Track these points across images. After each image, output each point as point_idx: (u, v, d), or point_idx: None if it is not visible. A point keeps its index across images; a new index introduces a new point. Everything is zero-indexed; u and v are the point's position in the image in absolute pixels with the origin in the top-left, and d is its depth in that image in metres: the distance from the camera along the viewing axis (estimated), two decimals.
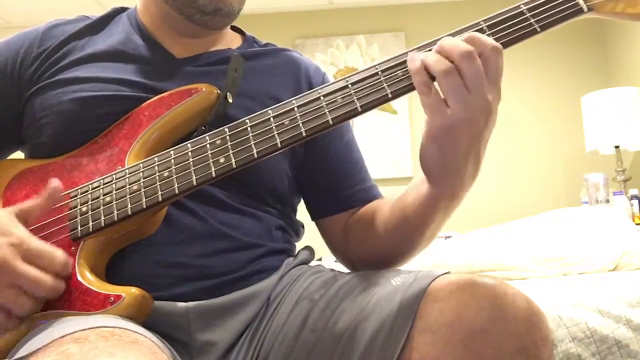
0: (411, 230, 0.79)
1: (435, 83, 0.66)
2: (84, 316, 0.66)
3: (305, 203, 0.94)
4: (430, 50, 0.67)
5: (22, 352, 0.58)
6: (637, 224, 2.23)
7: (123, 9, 0.95)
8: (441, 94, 0.65)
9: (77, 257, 0.71)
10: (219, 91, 0.79)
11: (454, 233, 2.30)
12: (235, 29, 0.98)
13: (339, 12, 3.58)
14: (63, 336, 0.57)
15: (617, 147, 2.75)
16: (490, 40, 0.65)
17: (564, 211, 1.75)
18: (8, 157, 0.90)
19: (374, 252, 0.85)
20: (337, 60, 3.52)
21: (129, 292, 0.68)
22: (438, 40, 0.68)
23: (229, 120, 0.76)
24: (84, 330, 0.58)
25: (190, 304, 0.74)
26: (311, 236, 0.97)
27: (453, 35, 0.69)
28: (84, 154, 0.79)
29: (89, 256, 0.72)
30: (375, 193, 0.92)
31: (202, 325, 0.74)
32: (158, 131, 0.78)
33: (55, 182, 0.72)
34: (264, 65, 0.91)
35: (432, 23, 3.53)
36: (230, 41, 0.95)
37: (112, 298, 0.67)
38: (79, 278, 0.69)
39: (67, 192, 0.75)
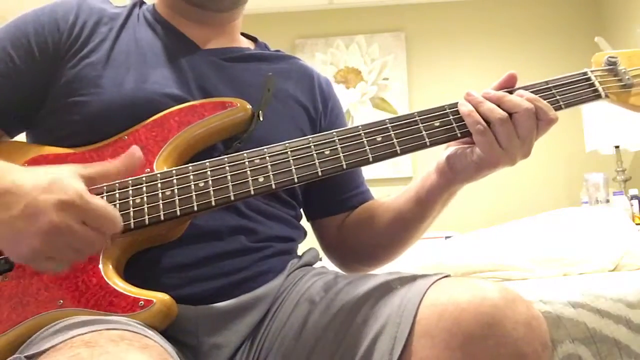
0: (414, 219, 0.86)
1: None
2: (96, 317, 0.65)
3: (303, 204, 0.95)
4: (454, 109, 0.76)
5: (33, 349, 0.58)
6: (637, 224, 2.23)
7: (142, 3, 0.94)
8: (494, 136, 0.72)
9: (101, 255, 0.70)
10: (252, 108, 0.81)
11: (454, 233, 2.30)
12: (247, 36, 1.00)
13: (339, 12, 3.58)
14: (73, 337, 0.56)
15: (617, 147, 2.75)
16: (552, 111, 0.75)
17: (564, 211, 1.75)
18: (12, 139, 0.84)
19: (373, 244, 0.91)
20: (337, 60, 3.52)
21: (159, 298, 0.68)
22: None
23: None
24: (93, 332, 0.57)
25: (199, 307, 0.74)
26: (314, 237, 0.98)
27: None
28: (108, 150, 0.77)
29: (112, 255, 0.71)
30: (370, 196, 0.98)
31: (210, 329, 0.74)
32: (188, 138, 0.78)
33: (138, 151, 0.69)
34: (281, 68, 0.94)
35: (432, 23, 3.53)
36: (245, 43, 0.98)
37: (142, 302, 0.67)
38: (105, 278, 0.69)
39: (90, 187, 0.70)
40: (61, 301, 0.68)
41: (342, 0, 3.52)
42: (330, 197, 0.95)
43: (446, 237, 2.24)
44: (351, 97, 3.46)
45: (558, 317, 1.02)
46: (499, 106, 0.73)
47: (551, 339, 0.99)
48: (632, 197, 2.51)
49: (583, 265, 1.44)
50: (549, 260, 1.48)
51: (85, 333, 0.57)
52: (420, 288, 0.67)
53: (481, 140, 0.72)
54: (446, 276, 0.69)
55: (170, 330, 0.70)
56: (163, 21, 0.90)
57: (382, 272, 0.79)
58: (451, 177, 0.79)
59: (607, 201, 2.43)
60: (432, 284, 0.67)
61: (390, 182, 3.22)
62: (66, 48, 0.82)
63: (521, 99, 0.73)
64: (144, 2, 0.95)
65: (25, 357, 0.57)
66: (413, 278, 0.70)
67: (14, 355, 0.58)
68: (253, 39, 1.00)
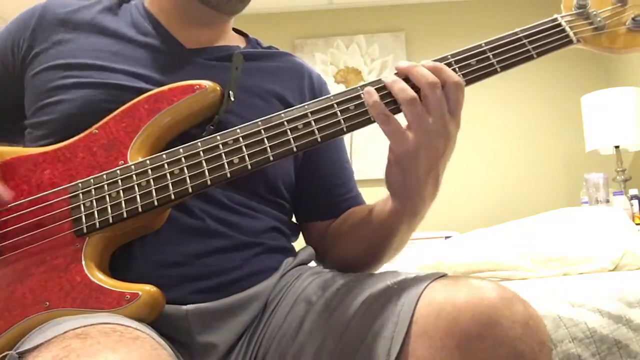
0: (379, 239, 0.83)
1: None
2: (88, 314, 0.65)
3: (293, 205, 0.94)
4: (379, 86, 0.72)
5: (26, 346, 0.58)
6: (637, 224, 2.23)
7: None
8: (406, 121, 0.70)
9: (82, 253, 0.70)
10: (222, 89, 0.79)
11: (454, 233, 2.30)
12: (238, 32, 0.98)
13: (339, 12, 3.58)
14: (65, 332, 0.57)
15: (617, 147, 2.75)
16: (453, 75, 0.71)
17: (564, 211, 1.75)
18: None
19: (346, 257, 0.88)
20: (337, 60, 3.52)
21: (145, 290, 0.68)
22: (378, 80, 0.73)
23: (233, 117, 0.78)
24: (85, 326, 0.58)
25: (190, 306, 0.73)
26: None
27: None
28: (79, 146, 0.76)
29: (94, 252, 0.71)
30: (360, 201, 0.96)
31: (203, 327, 0.74)
32: (160, 126, 0.76)
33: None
34: (269, 66, 0.93)
35: (432, 23, 3.53)
36: (235, 40, 0.95)
37: (128, 296, 0.67)
38: (89, 276, 0.69)
39: (65, 185, 0.74)
40: (47, 303, 0.68)
41: (342, 0, 3.52)
42: (324, 200, 0.92)
43: (446, 237, 2.24)
44: None
45: (558, 316, 1.02)
46: (407, 80, 0.71)
47: (551, 338, 0.99)
48: (632, 197, 2.51)
49: (583, 265, 1.44)
50: (549, 260, 1.48)
51: (77, 327, 0.58)
52: (418, 287, 0.66)
53: (387, 130, 0.70)
54: (443, 275, 0.69)
55: (162, 328, 0.70)
56: (151, 18, 0.89)
57: (380, 271, 0.79)
58: (393, 195, 0.76)
59: (607, 201, 2.43)
60: (429, 283, 0.66)
61: None
62: (30, 59, 0.84)
63: (425, 70, 0.70)
64: None
65: (17, 353, 0.57)
66: (411, 277, 0.70)
67: (7, 352, 0.59)
68: (244, 35, 0.99)
